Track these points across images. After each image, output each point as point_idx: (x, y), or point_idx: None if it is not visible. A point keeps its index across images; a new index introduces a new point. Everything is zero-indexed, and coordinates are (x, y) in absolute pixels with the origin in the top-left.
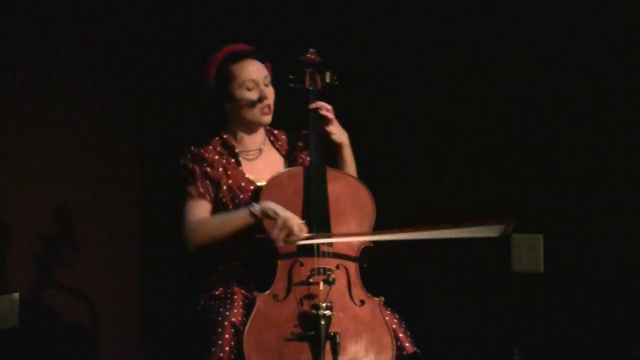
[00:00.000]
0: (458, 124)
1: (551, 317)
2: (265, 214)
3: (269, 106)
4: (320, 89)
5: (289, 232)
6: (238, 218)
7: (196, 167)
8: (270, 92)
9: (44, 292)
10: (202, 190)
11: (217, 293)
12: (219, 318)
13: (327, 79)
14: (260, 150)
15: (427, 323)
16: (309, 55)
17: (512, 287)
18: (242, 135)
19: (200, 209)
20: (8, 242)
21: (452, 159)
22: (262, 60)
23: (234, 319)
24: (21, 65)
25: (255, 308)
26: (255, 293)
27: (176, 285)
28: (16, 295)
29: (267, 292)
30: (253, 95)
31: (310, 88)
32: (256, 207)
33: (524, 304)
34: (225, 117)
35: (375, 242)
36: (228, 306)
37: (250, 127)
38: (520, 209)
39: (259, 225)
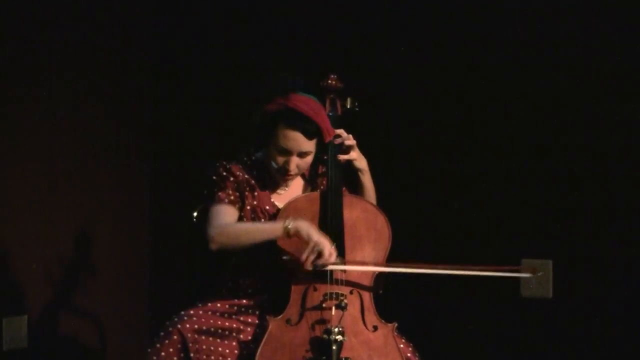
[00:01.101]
0: (471, 150)
1: (559, 342)
2: (298, 234)
3: (290, 176)
4: (341, 115)
5: (320, 256)
6: (269, 229)
7: (230, 177)
8: (301, 163)
9: (52, 313)
10: (232, 197)
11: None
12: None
13: (348, 105)
14: (287, 185)
15: (435, 347)
16: (330, 82)
17: (521, 312)
18: (274, 176)
19: (229, 214)
20: (17, 263)
21: (463, 183)
22: (312, 136)
23: (180, 326)
24: (31, 68)
25: (267, 332)
26: (268, 317)
27: (185, 302)
28: (25, 317)
29: (281, 316)
30: (279, 160)
31: (330, 114)
32: (290, 224)
33: (532, 329)
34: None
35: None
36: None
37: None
38: (530, 235)
39: (281, 247)
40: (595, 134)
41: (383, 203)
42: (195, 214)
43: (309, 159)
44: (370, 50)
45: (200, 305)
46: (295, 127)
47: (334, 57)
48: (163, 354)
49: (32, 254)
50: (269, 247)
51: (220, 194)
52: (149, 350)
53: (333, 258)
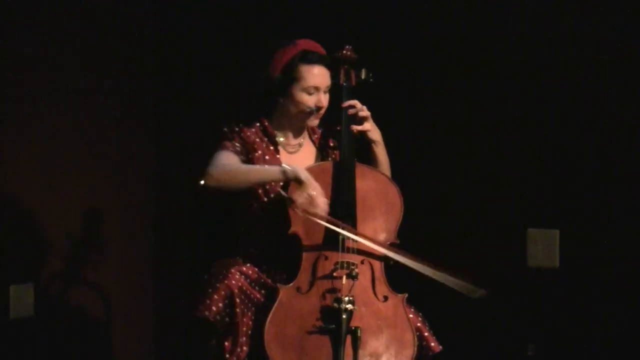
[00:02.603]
0: (477, 122)
1: (566, 312)
2: (297, 178)
3: (320, 114)
4: (355, 86)
5: (311, 203)
6: (267, 171)
7: (241, 133)
8: (326, 101)
9: (58, 282)
10: (238, 148)
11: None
12: (213, 279)
13: (362, 76)
14: (300, 145)
15: (440, 318)
16: (344, 52)
17: (528, 283)
18: (286, 128)
19: (230, 158)
20: (24, 233)
21: (470, 153)
22: (329, 67)
23: (227, 282)
24: (37, 67)
25: (277, 300)
26: (279, 285)
27: (190, 273)
28: (31, 285)
29: (291, 284)
30: (311, 101)
31: (345, 84)
32: (289, 168)
33: (539, 299)
34: (274, 107)
35: (401, 238)
36: (225, 271)
37: (297, 124)
38: (536, 204)
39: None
40: (604, 107)
41: (394, 176)
42: (202, 182)
43: (328, 98)
44: (386, 22)
45: (236, 266)
46: (318, 62)
47: (349, 29)
48: (214, 308)
49: (40, 223)
50: (277, 213)
51: (226, 142)
52: (200, 307)
53: (324, 211)
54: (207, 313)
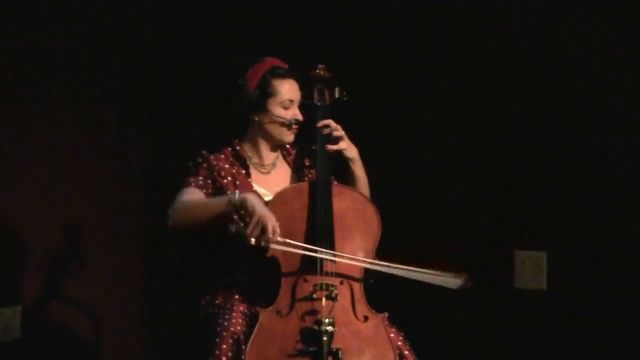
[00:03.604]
0: (464, 139)
1: (553, 334)
2: (243, 206)
3: (296, 128)
4: (329, 105)
5: (263, 231)
6: (216, 203)
7: (204, 166)
8: (300, 114)
9: (46, 303)
10: (200, 182)
11: (217, 302)
12: (218, 328)
13: (337, 94)
14: (274, 165)
15: (428, 339)
16: (318, 71)
17: (515, 304)
18: (259, 148)
19: (190, 194)
20: (10, 254)
21: (458, 174)
22: (299, 81)
23: (232, 329)
24: (30, 67)
25: (258, 323)
26: (258, 309)
27: (179, 295)
28: (18, 307)
29: (271, 307)
30: (288, 114)
31: (319, 103)
32: (236, 197)
33: (526, 321)
34: (248, 127)
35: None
36: (227, 316)
37: (271, 142)
38: (524, 226)
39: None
40: (592, 127)
41: (375, 194)
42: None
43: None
44: (359, 40)
45: (228, 306)
46: (288, 76)
47: (322, 48)
48: (224, 358)
49: (27, 245)
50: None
51: (189, 178)
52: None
53: (276, 236)
54: None
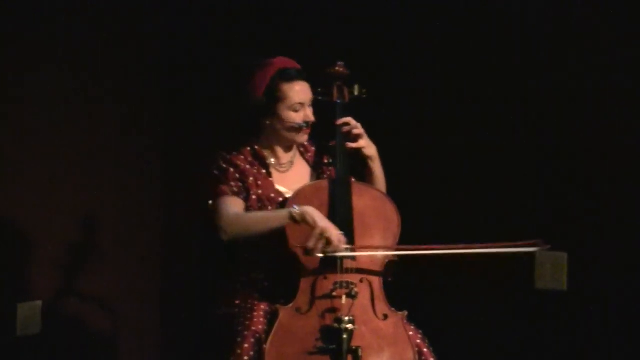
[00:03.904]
0: (485, 141)
1: (574, 335)
2: (305, 220)
3: (308, 130)
4: (348, 102)
5: (328, 242)
6: (276, 217)
7: (230, 170)
8: (312, 115)
9: (65, 299)
10: (235, 189)
11: (237, 302)
12: (239, 328)
13: (356, 92)
14: (292, 163)
15: (449, 338)
16: (337, 68)
17: (536, 305)
18: (275, 148)
19: (235, 204)
20: (30, 249)
21: (478, 175)
22: (308, 80)
23: (254, 328)
24: (43, 68)
25: (277, 321)
26: (278, 306)
27: (197, 293)
28: (39, 302)
29: (290, 305)
30: (299, 117)
31: (338, 101)
32: (297, 210)
33: (547, 321)
34: (262, 129)
35: (401, 257)
36: (249, 315)
37: (285, 143)
38: (544, 227)
39: (292, 233)
40: (616, 126)
41: (392, 191)
42: (211, 202)
43: (312, 111)
44: (378, 38)
45: (248, 306)
46: (297, 78)
47: (342, 45)
48: (246, 358)
49: (47, 241)
50: (280, 238)
51: (222, 187)
52: (231, 358)
53: (342, 244)
54: None
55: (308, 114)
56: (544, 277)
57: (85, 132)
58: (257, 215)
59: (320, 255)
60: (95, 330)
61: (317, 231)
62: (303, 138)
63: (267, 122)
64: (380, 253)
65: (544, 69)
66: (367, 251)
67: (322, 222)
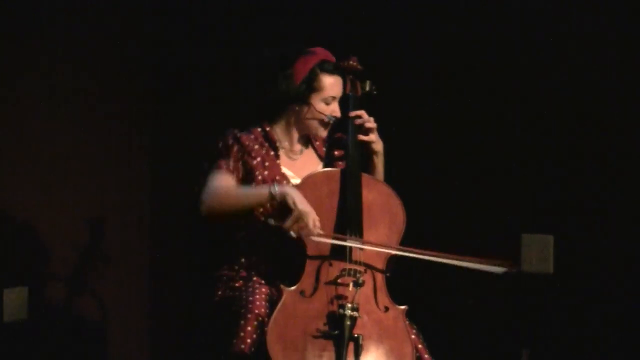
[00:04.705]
0: (472, 128)
1: (560, 318)
2: (284, 201)
3: (331, 123)
4: (360, 96)
5: (304, 226)
6: (256, 194)
7: (235, 147)
8: (338, 111)
9: (52, 285)
10: (231, 167)
11: (237, 285)
12: (242, 310)
13: (367, 88)
14: (302, 151)
15: (436, 324)
16: (351, 62)
17: (522, 288)
18: (291, 134)
19: (224, 180)
20: (18, 236)
21: (464, 159)
22: (343, 76)
23: (257, 311)
24: (31, 67)
25: (281, 302)
26: (282, 287)
27: (187, 278)
28: (25, 288)
29: (294, 287)
30: (328, 110)
31: (350, 94)
32: (277, 189)
33: (533, 304)
34: (284, 114)
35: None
36: (250, 298)
37: (303, 131)
38: (530, 209)
39: (280, 213)
40: (602, 112)
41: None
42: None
43: None
44: (393, 34)
45: (249, 289)
46: (335, 72)
47: (353, 42)
48: (249, 341)
49: (34, 225)
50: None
51: (220, 161)
52: (234, 341)
53: (317, 230)
54: (242, 347)
55: (336, 109)
56: (531, 260)
57: (78, 130)
58: (237, 191)
59: (294, 236)
60: (83, 317)
61: (295, 213)
62: (324, 132)
63: (297, 108)
64: (383, 250)
65: (526, 65)
66: (369, 245)
67: (301, 205)
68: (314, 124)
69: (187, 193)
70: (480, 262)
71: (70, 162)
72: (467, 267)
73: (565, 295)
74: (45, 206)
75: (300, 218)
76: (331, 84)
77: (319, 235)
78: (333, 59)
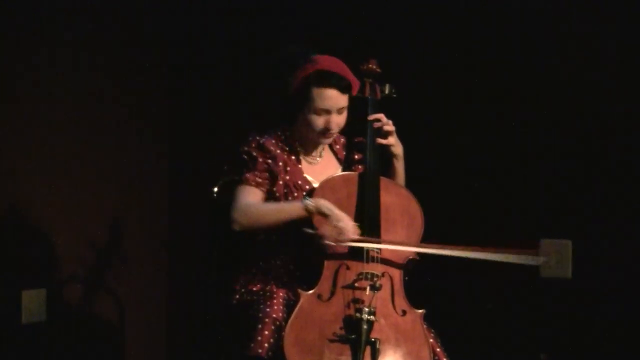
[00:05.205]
0: (491, 134)
1: (579, 323)
2: (320, 211)
3: (332, 134)
4: (379, 100)
5: (341, 232)
6: (290, 209)
7: (259, 157)
8: (340, 120)
9: (70, 287)
10: (259, 180)
11: (255, 289)
12: (260, 314)
13: (386, 91)
14: (321, 155)
15: (454, 327)
16: (370, 66)
17: (540, 293)
18: (305, 139)
19: (253, 195)
20: (36, 238)
21: (484, 164)
22: (345, 91)
23: (274, 315)
24: (46, 66)
25: (298, 306)
26: (299, 291)
27: (204, 280)
28: (44, 290)
29: (312, 291)
30: (319, 122)
31: (370, 97)
32: (310, 202)
33: (551, 309)
34: (295, 119)
35: (422, 256)
36: (268, 302)
37: (309, 137)
38: (549, 214)
39: (309, 221)
40: (618, 115)
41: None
42: (215, 189)
43: (345, 114)
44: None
45: (267, 293)
46: (329, 85)
47: (373, 45)
48: (266, 345)
49: (52, 228)
50: (298, 225)
51: (247, 175)
52: (251, 345)
53: (356, 235)
54: (260, 351)
55: (330, 120)
56: (549, 266)
57: (96, 132)
58: (270, 207)
59: (332, 243)
60: (100, 318)
61: (333, 220)
62: (325, 141)
63: (299, 116)
64: (405, 249)
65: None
66: (393, 245)
67: (337, 211)
68: (311, 132)
69: (205, 195)
70: (509, 253)
71: (88, 164)
72: (493, 260)
73: (583, 299)
74: (63, 208)
75: (338, 225)
76: (322, 96)
77: (355, 240)
78: (336, 69)
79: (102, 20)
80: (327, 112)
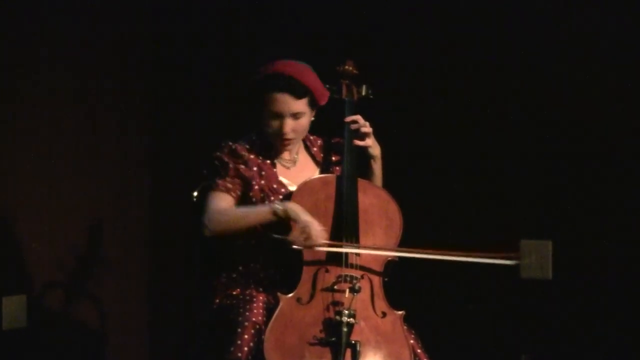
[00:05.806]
0: (470, 130)
1: (559, 323)
2: (287, 215)
3: (287, 139)
4: (356, 101)
5: (308, 237)
6: (259, 213)
7: (230, 163)
8: (296, 125)
9: (51, 293)
10: (229, 185)
11: (234, 293)
12: (240, 318)
13: (363, 92)
14: (295, 158)
15: (435, 329)
16: (347, 67)
17: (521, 293)
18: (272, 143)
19: (223, 201)
20: (16, 244)
21: (463, 165)
22: (300, 95)
23: (254, 319)
24: (31, 66)
25: (278, 309)
26: (279, 294)
27: (185, 285)
28: (24, 296)
29: (291, 294)
30: (274, 126)
31: (346, 99)
32: (279, 207)
33: (532, 310)
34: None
35: (400, 258)
36: (248, 306)
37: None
38: (529, 215)
39: (277, 225)
40: (596, 113)
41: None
42: (195, 193)
43: (304, 121)
44: (385, 41)
45: (247, 297)
46: (280, 89)
47: (349, 47)
48: (245, 349)
49: (32, 233)
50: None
51: (218, 181)
52: (231, 349)
53: (322, 239)
54: (240, 355)
55: (284, 124)
56: (529, 266)
57: (76, 136)
58: (239, 212)
59: (299, 247)
60: (82, 324)
61: (300, 225)
62: (283, 144)
63: (259, 120)
64: (376, 252)
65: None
66: (366, 249)
67: (305, 216)
68: (270, 135)
69: (186, 199)
70: (485, 257)
71: (67, 168)
72: (471, 262)
73: (564, 299)
74: (43, 213)
75: (305, 230)
76: (271, 100)
77: (324, 244)
78: (291, 73)
79: (84, 18)
80: (280, 115)
